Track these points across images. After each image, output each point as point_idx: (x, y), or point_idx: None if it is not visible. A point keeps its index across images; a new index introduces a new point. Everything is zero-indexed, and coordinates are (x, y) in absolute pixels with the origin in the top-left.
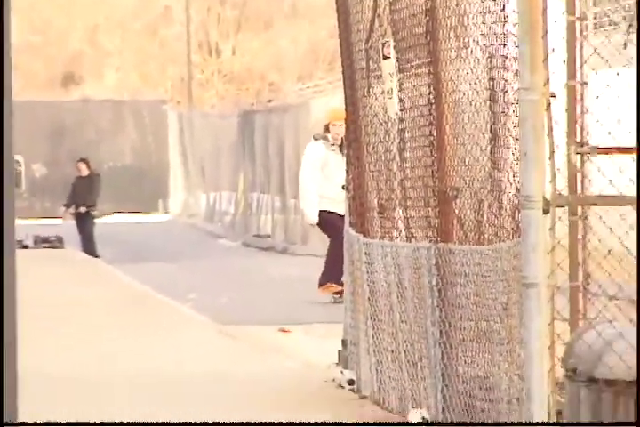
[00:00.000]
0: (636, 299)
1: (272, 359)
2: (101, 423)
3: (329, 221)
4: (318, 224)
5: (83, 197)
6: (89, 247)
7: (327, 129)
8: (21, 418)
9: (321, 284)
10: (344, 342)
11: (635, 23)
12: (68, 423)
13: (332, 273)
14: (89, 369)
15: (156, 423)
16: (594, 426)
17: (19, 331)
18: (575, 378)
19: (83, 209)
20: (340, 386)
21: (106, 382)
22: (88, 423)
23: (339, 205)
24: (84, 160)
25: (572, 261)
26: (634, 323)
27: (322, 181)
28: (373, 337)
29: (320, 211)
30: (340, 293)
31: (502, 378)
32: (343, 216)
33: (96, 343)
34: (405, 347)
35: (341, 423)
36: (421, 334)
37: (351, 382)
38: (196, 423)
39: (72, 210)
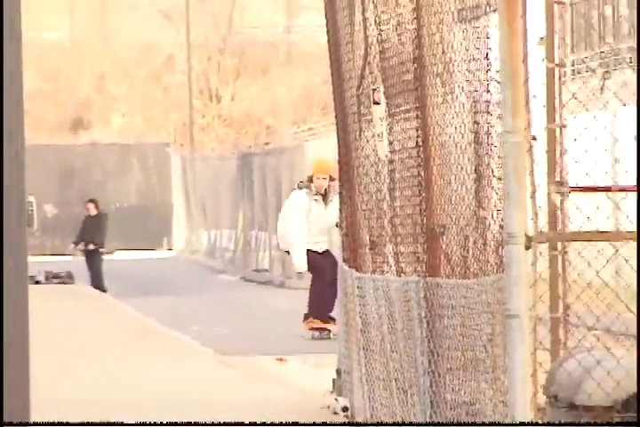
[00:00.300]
0: (613, 329)
1: (271, 388)
2: (101, 423)
3: (309, 260)
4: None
5: (91, 235)
6: (97, 282)
7: (311, 180)
8: None
9: (304, 319)
10: (338, 371)
11: (610, 70)
12: (69, 423)
13: (314, 309)
14: (102, 398)
15: (155, 423)
16: (594, 426)
17: (33, 364)
18: (556, 404)
19: (91, 246)
20: (335, 413)
21: (118, 410)
22: (88, 423)
23: (317, 244)
24: (92, 200)
25: (553, 294)
26: (611, 352)
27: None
28: (366, 366)
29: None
30: (319, 329)
31: (487, 405)
32: (322, 253)
33: (107, 374)
34: (396, 375)
35: (343, 423)
36: (411, 364)
37: (345, 409)
38: (198, 424)
39: (81, 247)
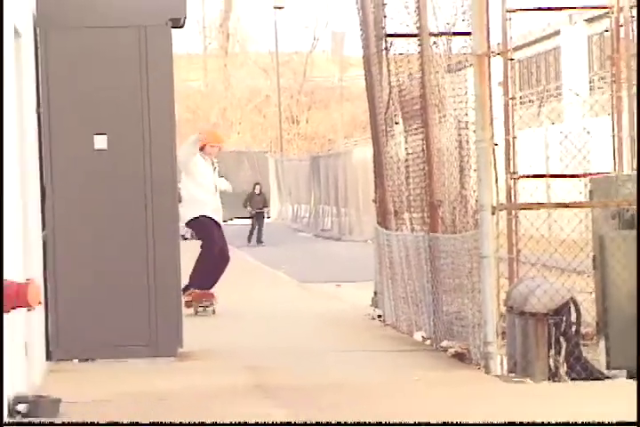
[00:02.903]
0: (547, 264)
1: (331, 303)
2: (110, 423)
3: (207, 228)
4: (196, 229)
5: (262, 205)
6: (260, 236)
7: (202, 149)
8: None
9: (184, 290)
10: (375, 292)
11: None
12: (70, 424)
13: (197, 280)
14: (228, 311)
15: (160, 424)
16: (596, 426)
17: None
18: (512, 312)
19: (266, 209)
20: (373, 318)
21: (239, 318)
22: (94, 424)
23: (218, 213)
24: (258, 183)
25: (509, 243)
26: (546, 279)
27: (198, 188)
28: (392, 289)
29: (202, 216)
30: (195, 300)
31: (469, 312)
32: (218, 224)
33: (231, 294)
34: (411, 295)
35: (346, 423)
36: (420, 287)
37: (379, 316)
38: (203, 423)
39: (253, 211)
